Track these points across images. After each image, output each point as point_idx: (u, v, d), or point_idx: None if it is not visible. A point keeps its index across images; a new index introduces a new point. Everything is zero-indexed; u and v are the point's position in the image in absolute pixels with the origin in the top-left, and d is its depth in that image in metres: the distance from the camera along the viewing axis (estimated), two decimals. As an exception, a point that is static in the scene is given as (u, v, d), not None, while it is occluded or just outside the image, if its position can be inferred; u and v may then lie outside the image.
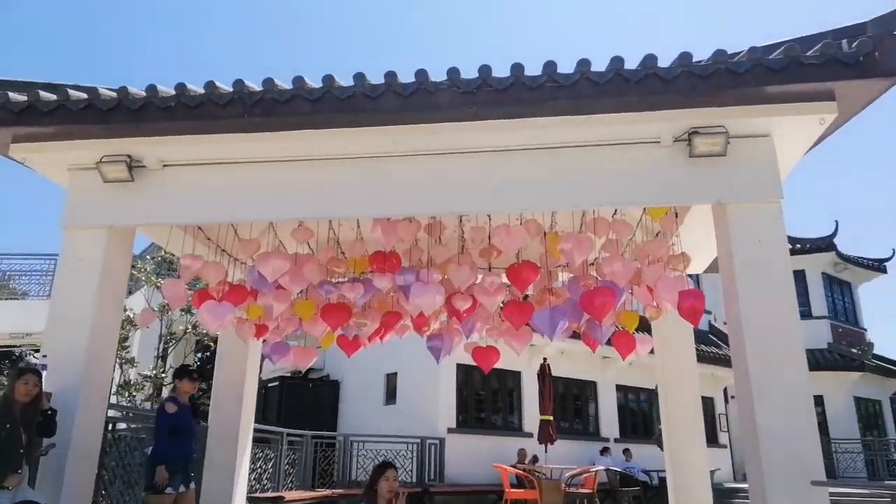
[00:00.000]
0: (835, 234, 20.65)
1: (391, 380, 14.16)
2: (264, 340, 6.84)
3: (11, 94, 4.77)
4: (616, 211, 5.39)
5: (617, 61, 4.29)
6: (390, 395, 14.10)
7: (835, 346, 20.29)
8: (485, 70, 4.39)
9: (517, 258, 5.54)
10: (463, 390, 12.95)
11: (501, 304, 6.00)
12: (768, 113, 4.32)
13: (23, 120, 4.72)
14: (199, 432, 5.59)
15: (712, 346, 18.37)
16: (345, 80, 4.62)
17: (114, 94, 4.77)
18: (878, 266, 22.16)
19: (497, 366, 13.64)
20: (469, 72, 4.43)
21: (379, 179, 4.88)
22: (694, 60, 4.27)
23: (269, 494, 8.68)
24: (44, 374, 4.54)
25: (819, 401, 20.27)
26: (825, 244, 20.71)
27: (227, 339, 7.46)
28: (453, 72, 4.43)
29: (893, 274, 21.36)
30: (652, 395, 16.75)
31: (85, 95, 4.79)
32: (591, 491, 11.14)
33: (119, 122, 4.70)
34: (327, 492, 9.52)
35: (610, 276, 5.09)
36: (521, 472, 10.92)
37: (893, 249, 22.36)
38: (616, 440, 15.11)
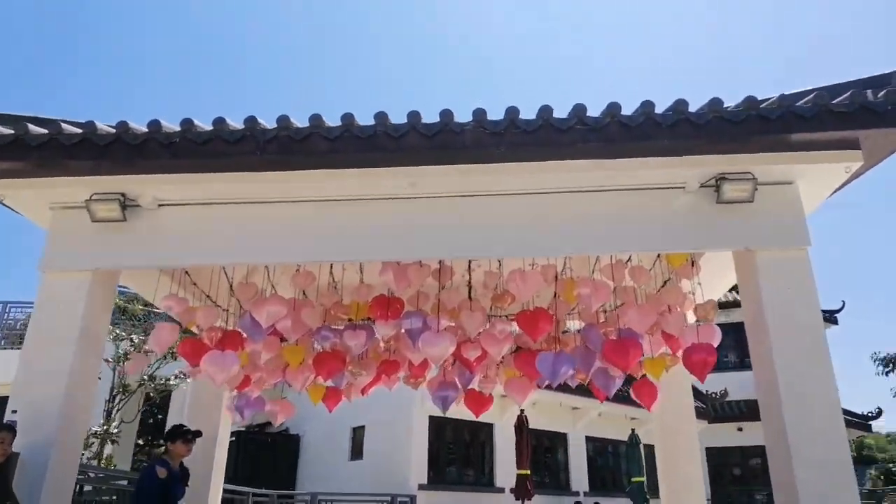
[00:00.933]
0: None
1: (358, 434, 13.55)
2: (236, 394, 6.40)
3: (-5, 126, 4.36)
4: (630, 257, 5.29)
5: (647, 105, 4.25)
6: (356, 451, 13.46)
7: (789, 394, 20.69)
8: (512, 111, 4.27)
9: (527, 305, 5.36)
10: (435, 444, 12.47)
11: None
12: (795, 160, 4.33)
13: (8, 154, 4.31)
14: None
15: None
16: (361, 119, 4.42)
17: (111, 129, 4.42)
18: (829, 317, 22.89)
19: (468, 417, 13.31)
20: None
21: (395, 222, 4.65)
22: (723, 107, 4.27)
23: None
24: (13, 432, 4.02)
25: (776, 450, 20.52)
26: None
27: (199, 391, 6.96)
28: (479, 112, 4.29)
29: (844, 325, 22.09)
30: (619, 446, 16.60)
31: (79, 130, 4.43)
32: (572, 549, 10.76)
33: (116, 158, 4.35)
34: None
35: (629, 324, 4.93)
36: (500, 530, 10.46)
37: (843, 301, 23.19)
38: (586, 493, 14.80)
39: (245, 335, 5.25)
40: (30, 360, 4.36)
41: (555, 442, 15.00)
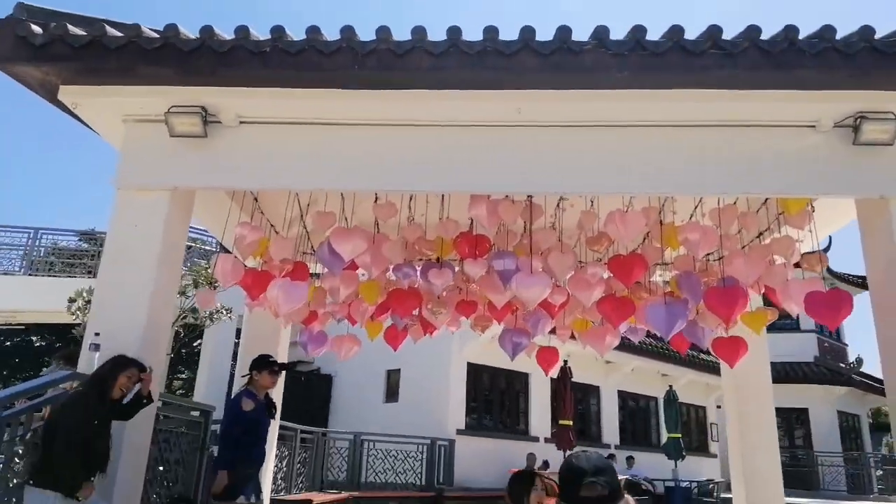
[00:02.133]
0: (828, 248, 20.77)
1: (392, 377, 13.51)
2: (301, 328, 6.21)
3: (71, 27, 4.02)
4: (736, 200, 4.92)
5: (790, 30, 3.80)
6: (391, 393, 13.45)
7: (821, 359, 20.46)
8: (639, 30, 3.85)
9: (616, 248, 5.05)
10: (472, 391, 12.39)
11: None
12: (946, 100, 3.91)
13: (85, 57, 3.98)
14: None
15: (705, 352, 18.23)
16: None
17: (195, 36, 4.06)
18: (862, 283, 22.44)
19: (504, 366, 13.16)
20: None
21: (494, 152, 4.30)
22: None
23: (298, 497, 8.00)
24: (96, 355, 3.84)
25: (804, 414, 20.42)
26: (816, 258, 20.80)
27: (255, 325, 6.77)
28: (602, 30, 3.88)
29: (875, 290, 21.58)
30: (650, 401, 16.53)
31: (157, 35, 4.08)
32: (610, 500, 10.72)
33: (200, 66, 3.99)
34: (344, 495, 8.87)
35: (734, 274, 4.60)
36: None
37: (876, 267, 22.68)
38: (617, 447, 14.78)
39: (322, 267, 4.98)
40: (109, 281, 4.13)
41: (588, 395, 14.91)
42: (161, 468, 5.10)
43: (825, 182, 4.15)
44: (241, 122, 4.41)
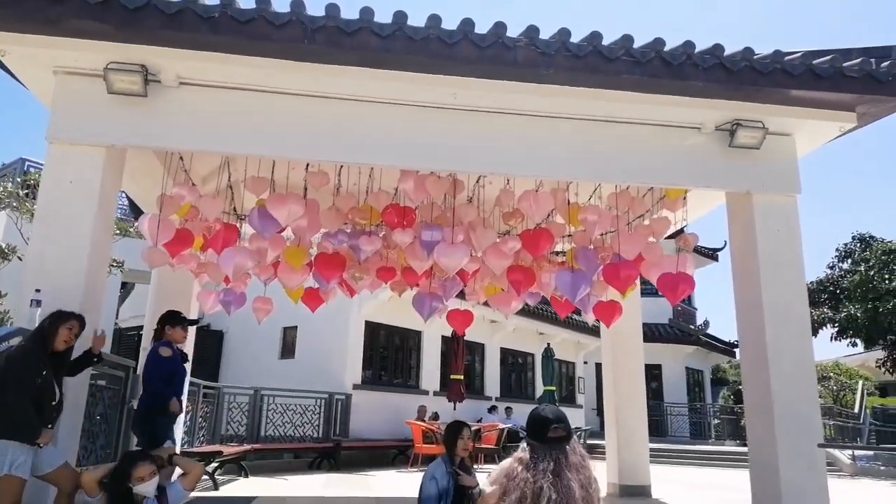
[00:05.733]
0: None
1: (289, 334, 13.63)
2: (222, 290, 6.36)
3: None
4: (628, 186, 5.64)
5: (688, 45, 4.46)
6: (287, 350, 13.58)
7: (674, 321, 22.85)
8: (564, 33, 4.35)
9: (525, 223, 5.63)
10: (369, 348, 12.84)
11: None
12: (801, 115, 4.76)
13: (22, 3, 3.87)
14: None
15: (577, 314, 19.79)
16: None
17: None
18: (711, 254, 25.15)
19: (399, 324, 13.68)
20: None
21: (428, 131, 4.68)
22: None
23: (208, 448, 8.08)
24: (38, 311, 3.87)
25: (658, 369, 22.80)
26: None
27: (166, 282, 6.80)
28: (532, 30, 4.33)
29: (723, 262, 24.27)
30: (528, 357, 17.83)
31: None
32: (494, 446, 11.70)
33: (146, 25, 4.01)
34: (246, 447, 9.04)
35: (622, 251, 5.33)
36: (430, 427, 11.15)
37: (725, 241, 25.47)
38: (497, 398, 15.89)
39: (254, 230, 5.16)
40: (46, 235, 4.12)
41: (474, 351, 15.83)
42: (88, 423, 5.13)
43: (704, 176, 4.93)
44: (182, 84, 4.47)
